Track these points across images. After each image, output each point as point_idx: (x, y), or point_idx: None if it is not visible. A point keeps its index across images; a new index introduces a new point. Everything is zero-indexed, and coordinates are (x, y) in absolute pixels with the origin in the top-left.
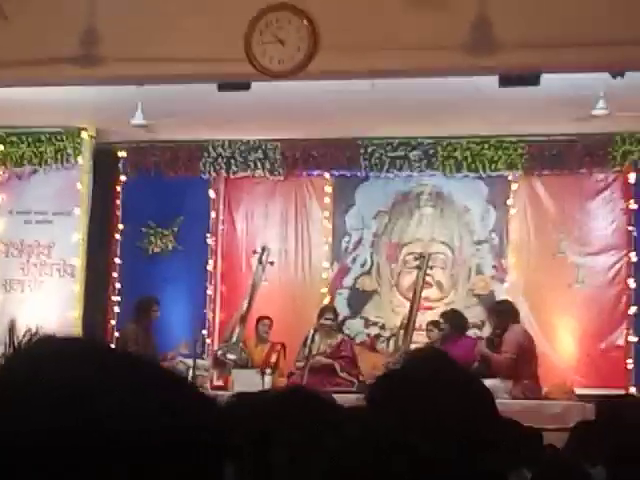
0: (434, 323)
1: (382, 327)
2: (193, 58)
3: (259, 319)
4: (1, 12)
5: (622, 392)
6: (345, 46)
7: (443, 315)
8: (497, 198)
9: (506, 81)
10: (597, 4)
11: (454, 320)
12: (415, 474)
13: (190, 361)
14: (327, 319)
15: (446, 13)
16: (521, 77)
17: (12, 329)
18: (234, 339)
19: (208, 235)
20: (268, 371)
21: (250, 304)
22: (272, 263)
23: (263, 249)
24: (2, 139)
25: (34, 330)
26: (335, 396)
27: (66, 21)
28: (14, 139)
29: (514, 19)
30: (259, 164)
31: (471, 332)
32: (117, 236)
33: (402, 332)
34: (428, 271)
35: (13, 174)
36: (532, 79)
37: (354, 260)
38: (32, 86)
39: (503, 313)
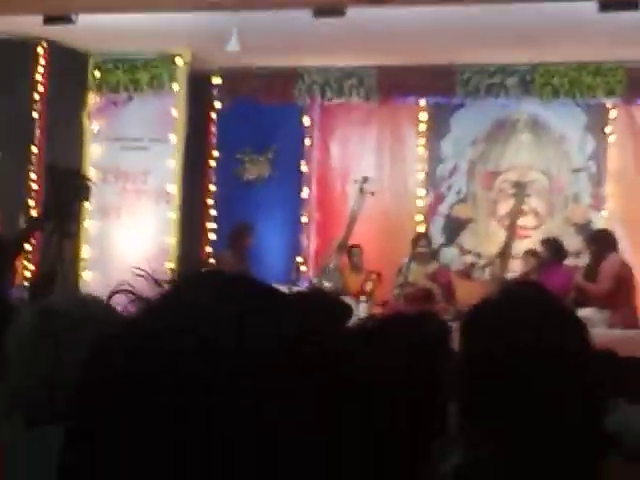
0: (531, 251)
1: (478, 255)
2: None
3: (350, 247)
4: None
5: None
6: None
7: (543, 242)
8: (595, 125)
9: (605, 6)
10: None
11: (553, 247)
12: None
13: (285, 288)
14: (422, 247)
15: None
16: (620, 1)
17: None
18: (331, 266)
19: (302, 162)
20: (363, 299)
21: (348, 233)
22: (373, 193)
23: (364, 179)
24: (98, 65)
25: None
26: None
27: None
28: (110, 66)
29: None
30: (354, 91)
31: (568, 261)
32: (212, 163)
33: (498, 260)
34: (526, 199)
35: (109, 101)
36: (632, 3)
37: (449, 188)
38: (128, 12)
39: (601, 242)
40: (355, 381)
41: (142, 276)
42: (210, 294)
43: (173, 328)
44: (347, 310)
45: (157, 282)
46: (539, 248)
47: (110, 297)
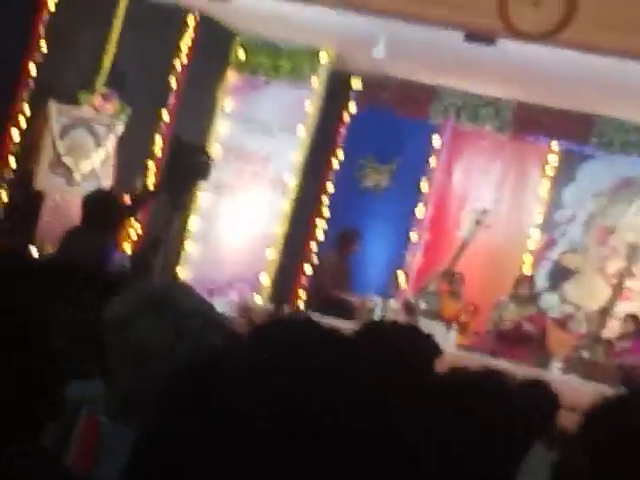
0: (633, 316)
1: (577, 308)
2: (446, 3)
3: (453, 274)
4: None
5: None
6: (601, 21)
7: None
8: None
9: None
10: None
11: None
12: None
13: (380, 299)
14: (524, 289)
15: None
16: None
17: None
18: (430, 289)
19: (423, 180)
20: (455, 327)
21: (455, 260)
22: (488, 226)
23: (484, 210)
24: (243, 46)
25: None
26: (514, 367)
27: None
28: (254, 48)
29: None
30: (488, 120)
31: None
32: (334, 163)
33: (597, 317)
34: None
35: (247, 82)
36: None
37: (563, 235)
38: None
39: None
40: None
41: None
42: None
43: (277, 366)
44: (436, 351)
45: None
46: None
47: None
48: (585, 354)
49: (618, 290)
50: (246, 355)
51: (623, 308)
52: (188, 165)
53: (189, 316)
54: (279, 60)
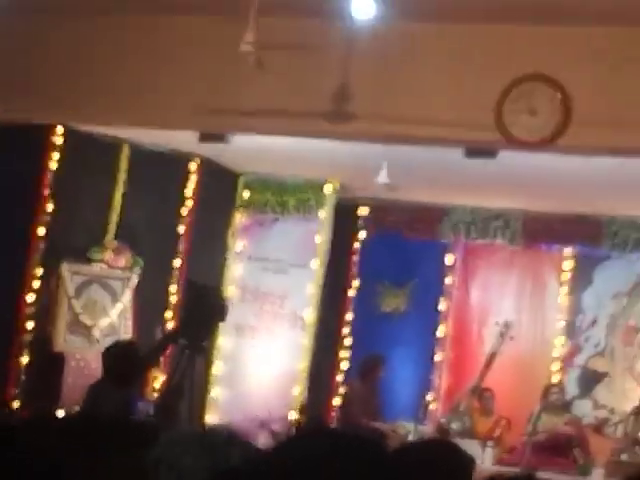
0: None
1: (611, 411)
2: (442, 121)
3: (482, 390)
4: (260, 64)
5: None
6: (597, 122)
7: None
8: None
9: None
10: None
11: None
12: None
13: (411, 425)
14: (554, 397)
15: None
16: None
17: None
18: (461, 408)
19: (441, 299)
20: (490, 444)
21: (482, 375)
22: (512, 338)
23: (506, 323)
24: (247, 185)
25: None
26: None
27: (318, 75)
28: (259, 186)
29: None
30: (499, 233)
31: None
32: (350, 292)
33: (632, 418)
34: None
35: (255, 221)
36: None
37: (587, 339)
38: (282, 136)
39: None
40: None
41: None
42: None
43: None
44: (471, 463)
45: (274, 433)
46: None
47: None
48: (625, 457)
49: None
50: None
51: None
52: (204, 308)
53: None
54: (284, 196)
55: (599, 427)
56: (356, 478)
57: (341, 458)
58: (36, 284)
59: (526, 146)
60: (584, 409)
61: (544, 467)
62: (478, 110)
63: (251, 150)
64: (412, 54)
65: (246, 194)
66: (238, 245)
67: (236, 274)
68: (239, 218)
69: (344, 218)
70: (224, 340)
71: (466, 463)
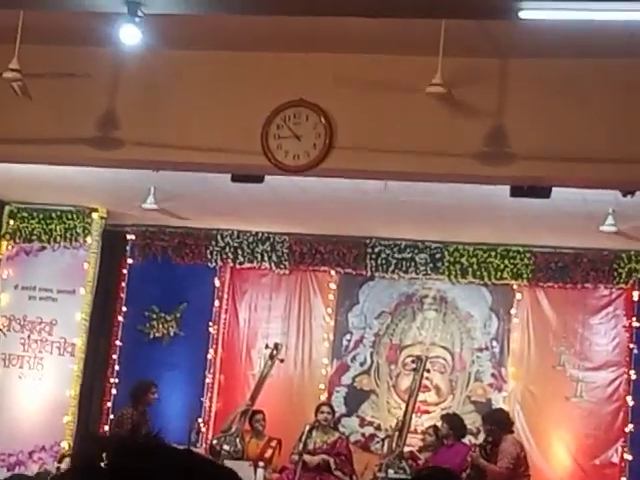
0: (432, 427)
1: (377, 427)
2: (209, 147)
3: (253, 413)
4: (26, 92)
5: None
6: (360, 146)
7: (443, 418)
8: (500, 306)
9: (517, 192)
10: (611, 122)
11: (455, 424)
12: None
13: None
14: (324, 416)
15: (461, 120)
16: (532, 189)
17: None
18: (233, 430)
19: (210, 323)
20: (261, 464)
21: (253, 398)
22: (282, 361)
23: (275, 346)
24: (13, 214)
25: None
26: None
27: (86, 103)
28: (25, 215)
29: (529, 132)
30: (266, 256)
31: (466, 439)
32: (120, 318)
33: (397, 434)
34: (427, 375)
35: (21, 249)
36: (543, 192)
37: (354, 358)
38: (48, 164)
39: (498, 423)
40: None
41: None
42: None
43: None
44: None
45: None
46: (439, 424)
47: None
48: (392, 472)
49: (412, 405)
50: None
51: (421, 421)
52: None
53: None
54: (51, 224)
55: (366, 443)
56: None
57: None
58: None
59: (291, 171)
60: (352, 426)
61: None
62: (244, 136)
63: (16, 178)
64: (179, 80)
65: (11, 222)
66: (4, 274)
67: (2, 303)
68: (4, 247)
69: (112, 245)
70: None
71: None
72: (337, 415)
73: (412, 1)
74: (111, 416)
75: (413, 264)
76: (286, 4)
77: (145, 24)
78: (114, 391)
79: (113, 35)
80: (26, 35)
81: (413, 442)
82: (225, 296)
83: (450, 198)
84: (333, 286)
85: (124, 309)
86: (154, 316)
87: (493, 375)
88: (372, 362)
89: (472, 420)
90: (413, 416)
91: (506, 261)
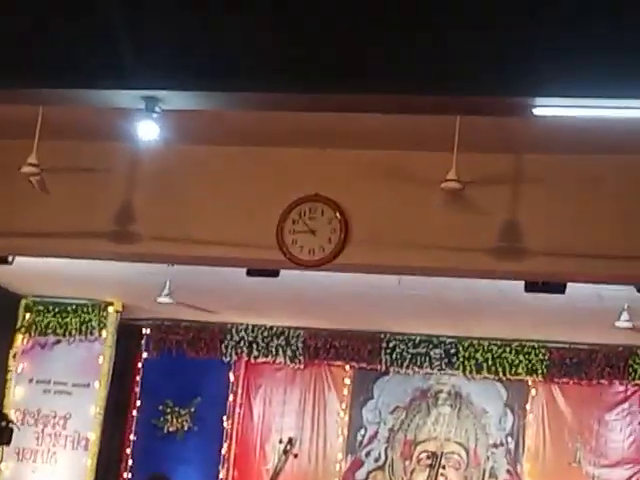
0: None
1: None
2: (224, 242)
3: None
4: (44, 187)
5: None
6: (375, 241)
7: None
8: (515, 402)
9: (531, 287)
10: (625, 217)
11: None
12: None
13: None
14: None
15: (476, 215)
16: (546, 284)
17: None
18: None
19: (224, 418)
20: None
21: None
22: (296, 455)
23: (290, 440)
24: (29, 307)
25: None
26: None
27: (103, 197)
28: (41, 308)
29: (543, 227)
30: (280, 351)
31: None
32: (134, 412)
33: None
34: (442, 470)
35: (37, 342)
36: (558, 287)
37: (368, 454)
38: (65, 258)
39: None
40: None
41: None
42: None
43: None
44: None
45: None
46: None
47: None
48: None
49: None
50: None
51: None
52: None
53: None
54: (66, 317)
55: None
56: None
57: None
58: None
59: (306, 265)
60: None
61: None
62: (260, 230)
63: (34, 272)
64: (195, 175)
65: (27, 316)
66: (19, 368)
67: (17, 397)
68: (20, 340)
69: (127, 338)
70: (4, 465)
71: None
72: None
73: (428, 98)
74: None
75: (428, 359)
76: (302, 101)
77: (162, 119)
78: None
79: (130, 130)
80: (45, 130)
81: None
82: (239, 390)
83: (465, 293)
84: (347, 381)
85: (138, 403)
86: (168, 410)
87: (508, 471)
88: (386, 458)
89: None
90: None
91: (521, 356)
